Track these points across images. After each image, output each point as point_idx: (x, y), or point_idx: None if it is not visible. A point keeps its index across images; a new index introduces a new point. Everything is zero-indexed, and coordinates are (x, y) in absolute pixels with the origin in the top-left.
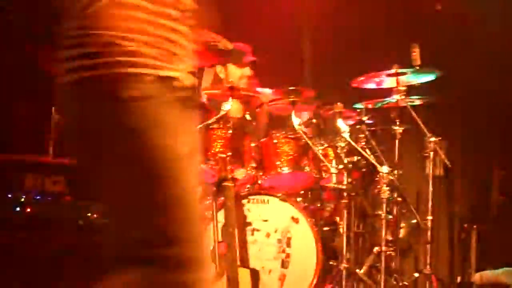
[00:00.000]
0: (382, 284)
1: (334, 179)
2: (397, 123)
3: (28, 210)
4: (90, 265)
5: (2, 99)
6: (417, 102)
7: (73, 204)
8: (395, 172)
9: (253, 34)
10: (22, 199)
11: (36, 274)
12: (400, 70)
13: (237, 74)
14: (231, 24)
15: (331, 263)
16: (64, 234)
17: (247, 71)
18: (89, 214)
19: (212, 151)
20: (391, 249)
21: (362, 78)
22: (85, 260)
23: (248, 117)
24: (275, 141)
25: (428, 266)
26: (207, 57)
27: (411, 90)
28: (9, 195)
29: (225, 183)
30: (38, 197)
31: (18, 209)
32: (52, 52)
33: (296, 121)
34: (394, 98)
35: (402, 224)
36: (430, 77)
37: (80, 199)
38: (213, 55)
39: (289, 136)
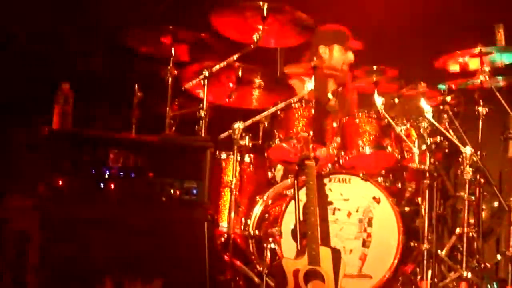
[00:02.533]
0: (464, 265)
1: (416, 159)
2: (481, 104)
3: (112, 186)
4: (172, 240)
5: (87, 77)
6: (502, 83)
7: (156, 181)
8: (478, 153)
9: (339, 14)
10: (106, 175)
11: (119, 250)
12: (484, 50)
13: (340, 58)
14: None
15: (412, 243)
16: (147, 210)
17: (351, 56)
18: (172, 191)
19: (294, 130)
20: (473, 230)
21: (446, 58)
22: (167, 235)
23: (330, 96)
24: (357, 120)
25: (510, 248)
26: (292, 36)
27: (495, 71)
28: (93, 171)
29: (307, 162)
30: (121, 173)
31: (102, 185)
32: (139, 30)
33: (379, 100)
34: (478, 78)
35: (484, 206)
36: None
37: (162, 176)
38: (298, 35)
39: (372, 116)
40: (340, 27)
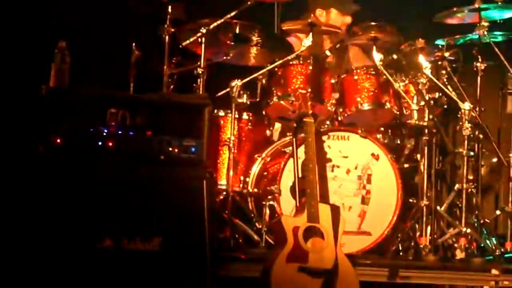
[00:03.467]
0: (463, 221)
1: (415, 115)
2: (479, 59)
3: (110, 144)
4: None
5: (85, 35)
6: (500, 38)
7: (154, 139)
8: (477, 109)
9: None
10: (104, 134)
11: (117, 209)
12: (482, 5)
13: (338, 21)
14: None
15: (411, 200)
16: (145, 168)
17: (348, 19)
18: (170, 149)
19: (292, 87)
20: (472, 186)
21: (444, 13)
22: (166, 193)
23: (328, 53)
24: (355, 77)
25: (510, 204)
26: None
27: (494, 26)
28: (91, 130)
29: (305, 119)
30: (119, 132)
31: (100, 143)
32: None
33: (377, 57)
34: (477, 34)
35: (483, 162)
36: None
37: (161, 134)
38: None
39: (370, 72)
40: None
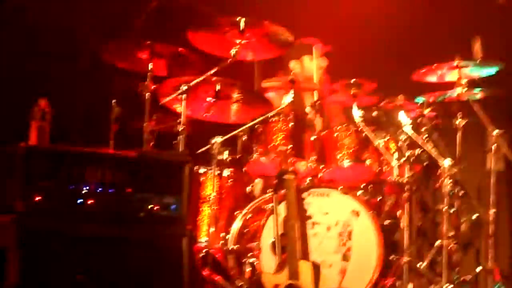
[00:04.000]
0: (444, 278)
1: (395, 172)
2: (459, 116)
3: (90, 202)
4: (151, 256)
5: (65, 92)
6: (479, 96)
7: (134, 196)
8: (457, 166)
9: (317, 28)
10: (84, 191)
11: (97, 266)
12: (462, 63)
13: (312, 66)
14: (295, 19)
15: (392, 257)
16: (125, 226)
17: (323, 61)
18: (150, 206)
19: (273, 144)
20: (453, 243)
21: (423, 71)
22: (146, 250)
23: (309, 110)
24: (336, 134)
25: (490, 261)
26: (269, 50)
27: (473, 83)
28: (71, 187)
29: (286, 176)
30: (99, 189)
31: (80, 201)
32: (116, 45)
33: (357, 113)
34: (456, 91)
35: (464, 218)
36: (492, 70)
37: (141, 191)
38: (275, 48)
39: (351, 129)
40: (306, 39)
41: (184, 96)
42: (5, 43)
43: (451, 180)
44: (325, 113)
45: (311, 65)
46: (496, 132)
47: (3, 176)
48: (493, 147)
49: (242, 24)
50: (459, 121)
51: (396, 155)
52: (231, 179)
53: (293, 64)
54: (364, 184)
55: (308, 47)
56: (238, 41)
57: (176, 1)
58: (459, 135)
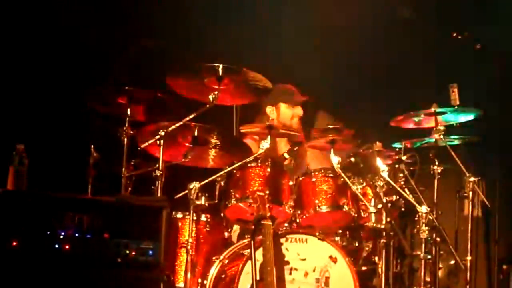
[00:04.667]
0: None
1: (373, 218)
2: (436, 162)
3: (67, 247)
4: None
5: (43, 137)
6: (456, 142)
7: (111, 242)
8: (434, 212)
9: (293, 73)
10: (61, 236)
11: None
12: (439, 110)
13: (288, 114)
14: (273, 64)
15: None
16: (102, 271)
17: (299, 110)
18: (127, 251)
19: (251, 189)
20: None
21: (401, 117)
22: None
23: (286, 155)
24: (313, 179)
25: None
26: (247, 96)
27: (450, 129)
28: (48, 232)
29: (264, 222)
30: (76, 234)
31: (57, 245)
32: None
33: (335, 159)
34: (433, 137)
35: (441, 265)
36: (469, 117)
37: (118, 236)
38: (253, 94)
39: (328, 174)
40: (284, 85)
41: (162, 141)
42: None
43: (428, 227)
44: (303, 158)
45: (287, 112)
46: (472, 178)
47: None
48: (470, 194)
49: (220, 71)
50: (436, 167)
51: (373, 201)
52: (208, 225)
53: (269, 110)
54: (342, 230)
55: (285, 93)
56: (216, 86)
57: (155, 46)
58: (436, 181)
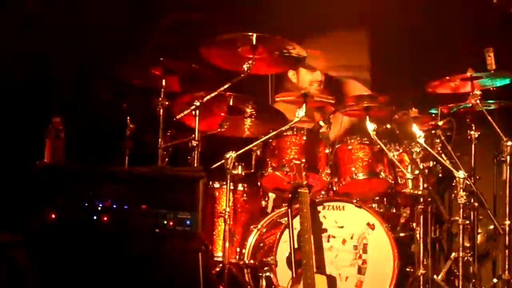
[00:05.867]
0: None
1: (410, 184)
2: (473, 127)
3: (105, 218)
4: (166, 271)
5: (79, 109)
6: (493, 107)
7: (149, 212)
8: (472, 177)
9: (324, 40)
10: (99, 208)
11: (113, 283)
12: (475, 74)
13: (307, 78)
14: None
15: (408, 269)
16: (141, 242)
17: (318, 75)
18: (165, 222)
19: (287, 158)
20: (469, 254)
21: (436, 83)
22: (162, 266)
23: (322, 123)
24: (349, 147)
25: (507, 272)
26: (281, 64)
27: (486, 94)
28: (86, 204)
29: (300, 190)
30: (114, 206)
31: (95, 217)
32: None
33: (370, 126)
34: (470, 102)
35: (480, 230)
36: (505, 81)
37: (156, 207)
38: (287, 63)
39: (364, 142)
40: (311, 51)
41: (197, 111)
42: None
43: (466, 192)
44: (338, 126)
45: (306, 76)
46: (510, 143)
47: (18, 194)
48: (508, 158)
49: (254, 40)
50: (473, 133)
51: (410, 167)
52: (245, 194)
53: (291, 74)
54: (379, 197)
55: (308, 58)
56: (250, 56)
57: (188, 17)
58: (473, 146)
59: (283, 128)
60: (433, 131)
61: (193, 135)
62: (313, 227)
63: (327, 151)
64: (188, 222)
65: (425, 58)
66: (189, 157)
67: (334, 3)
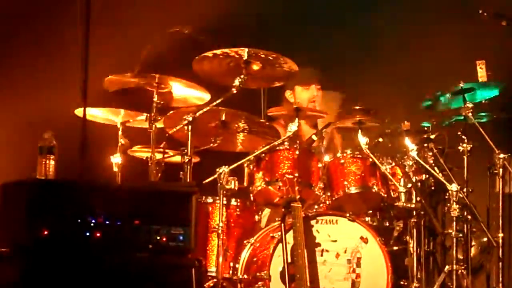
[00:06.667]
0: None
1: (402, 198)
2: (465, 140)
3: (98, 234)
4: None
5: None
6: (485, 119)
7: (142, 228)
8: (465, 190)
9: (317, 55)
10: (92, 224)
11: None
12: (466, 87)
13: (304, 96)
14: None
15: (402, 282)
16: (134, 258)
17: (313, 91)
18: (158, 237)
19: (280, 172)
20: (463, 267)
21: (427, 95)
22: (155, 282)
23: (314, 137)
24: (342, 161)
25: (500, 284)
26: (273, 79)
27: (478, 106)
28: (79, 220)
29: (293, 204)
30: (107, 222)
31: (87, 233)
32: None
33: (363, 140)
34: (462, 115)
35: (473, 243)
36: (496, 93)
37: (148, 223)
38: (279, 77)
39: (356, 155)
40: (303, 68)
41: (189, 126)
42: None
43: (459, 205)
44: (331, 140)
45: (301, 94)
46: (502, 155)
47: (10, 210)
48: (500, 170)
49: (245, 55)
50: (466, 145)
51: (402, 181)
52: (238, 209)
53: (288, 94)
54: (372, 210)
55: (301, 75)
56: (242, 71)
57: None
58: (466, 159)
59: (276, 143)
60: (425, 144)
61: (186, 150)
62: (306, 242)
63: (320, 165)
64: (181, 238)
65: (419, 71)
66: (181, 172)
67: None
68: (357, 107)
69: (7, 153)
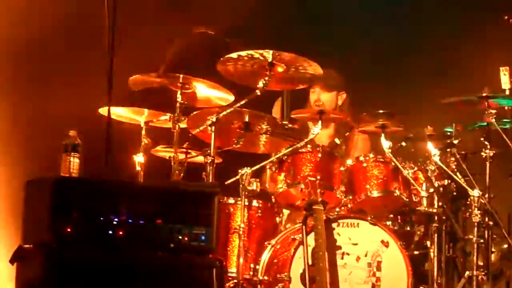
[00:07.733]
0: None
1: (424, 202)
2: (488, 146)
3: (121, 233)
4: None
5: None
6: (508, 125)
7: (164, 227)
8: (486, 195)
9: (341, 59)
10: (115, 222)
11: None
12: (490, 93)
13: (328, 99)
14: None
15: (422, 287)
16: (155, 257)
17: (315, 94)
18: (180, 237)
19: (302, 175)
20: (483, 273)
21: (452, 101)
22: (176, 281)
23: (337, 140)
24: (364, 164)
25: None
26: (297, 81)
27: (501, 113)
28: (102, 219)
29: (315, 207)
30: (130, 220)
31: (110, 232)
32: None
33: (386, 144)
34: (485, 121)
35: (494, 249)
36: None
37: (171, 222)
38: (303, 80)
39: (379, 159)
40: (325, 71)
41: (213, 127)
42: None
43: (480, 210)
44: (353, 143)
45: (326, 98)
46: None
47: (33, 207)
48: None
49: (270, 57)
50: (488, 151)
51: (424, 185)
52: (260, 210)
53: (311, 96)
54: (393, 214)
55: (326, 79)
56: (266, 72)
57: (205, 35)
58: (488, 165)
59: (298, 145)
60: (448, 149)
61: (208, 151)
62: (327, 244)
63: (342, 168)
64: (202, 238)
65: (442, 76)
66: (204, 173)
67: None
68: (381, 111)
69: (32, 150)
